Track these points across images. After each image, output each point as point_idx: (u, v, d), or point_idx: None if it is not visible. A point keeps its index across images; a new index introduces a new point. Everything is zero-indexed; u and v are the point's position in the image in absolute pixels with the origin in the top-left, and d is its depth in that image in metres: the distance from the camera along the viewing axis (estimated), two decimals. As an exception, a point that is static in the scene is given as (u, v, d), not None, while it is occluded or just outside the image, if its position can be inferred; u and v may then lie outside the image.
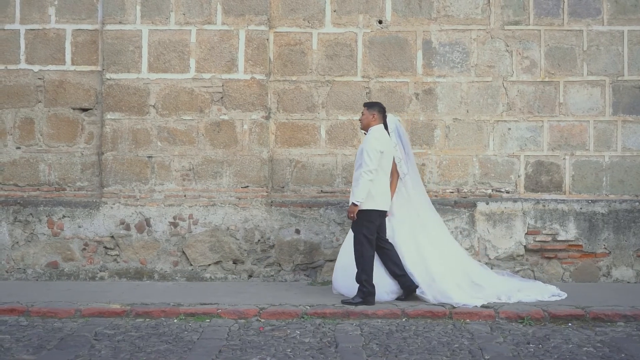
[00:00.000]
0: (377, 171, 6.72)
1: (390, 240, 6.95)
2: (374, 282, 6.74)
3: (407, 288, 6.84)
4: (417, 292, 6.84)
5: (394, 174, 6.98)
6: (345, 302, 6.72)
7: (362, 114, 6.99)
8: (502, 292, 6.90)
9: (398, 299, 6.87)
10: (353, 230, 6.85)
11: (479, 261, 7.68)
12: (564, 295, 7.01)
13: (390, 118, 7.07)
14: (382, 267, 6.90)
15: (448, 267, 6.91)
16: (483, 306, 6.61)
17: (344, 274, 7.00)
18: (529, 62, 8.05)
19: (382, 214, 6.87)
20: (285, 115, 8.05)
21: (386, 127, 6.95)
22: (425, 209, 7.16)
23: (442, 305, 6.64)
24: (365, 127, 6.96)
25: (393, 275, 6.87)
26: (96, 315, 6.46)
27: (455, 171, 8.06)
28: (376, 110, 6.94)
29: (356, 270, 6.77)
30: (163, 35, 7.86)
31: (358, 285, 6.73)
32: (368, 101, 7.38)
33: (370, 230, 6.76)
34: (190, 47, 7.86)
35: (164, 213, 7.82)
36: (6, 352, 5.40)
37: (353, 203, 6.71)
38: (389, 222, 6.99)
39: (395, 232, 6.97)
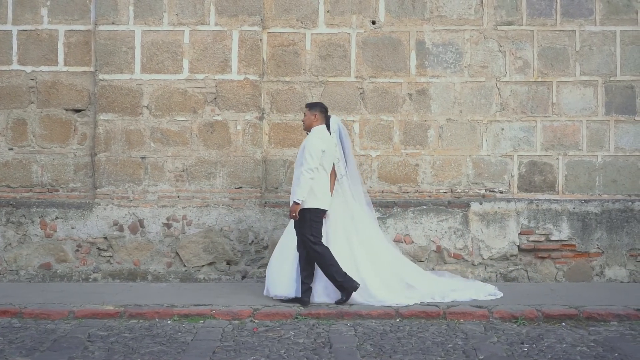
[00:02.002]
0: (319, 170, 6.74)
1: (324, 242, 6.84)
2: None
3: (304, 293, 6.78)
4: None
5: (332, 175, 6.96)
6: (338, 302, 6.72)
7: (305, 115, 7.03)
8: (436, 292, 6.92)
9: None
10: (298, 234, 6.77)
11: (467, 260, 7.75)
12: (499, 294, 7.05)
13: (334, 119, 7.08)
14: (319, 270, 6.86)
15: (378, 270, 6.90)
16: (476, 306, 6.63)
17: (279, 272, 6.93)
18: (522, 62, 8.07)
19: (324, 213, 6.86)
20: (278, 116, 8.05)
21: (328, 128, 6.96)
22: (361, 211, 7.08)
23: (436, 305, 6.66)
24: (308, 128, 6.99)
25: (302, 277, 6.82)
26: (89, 316, 6.45)
27: (448, 171, 8.07)
28: (318, 110, 6.97)
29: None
30: (156, 35, 7.85)
31: (333, 283, 6.72)
32: (309, 102, 7.33)
33: (317, 229, 6.75)
34: (183, 47, 7.85)
35: (157, 214, 7.80)
36: (-1, 354, 5.39)
37: (295, 202, 6.69)
38: (324, 224, 6.91)
39: (330, 234, 6.89)
